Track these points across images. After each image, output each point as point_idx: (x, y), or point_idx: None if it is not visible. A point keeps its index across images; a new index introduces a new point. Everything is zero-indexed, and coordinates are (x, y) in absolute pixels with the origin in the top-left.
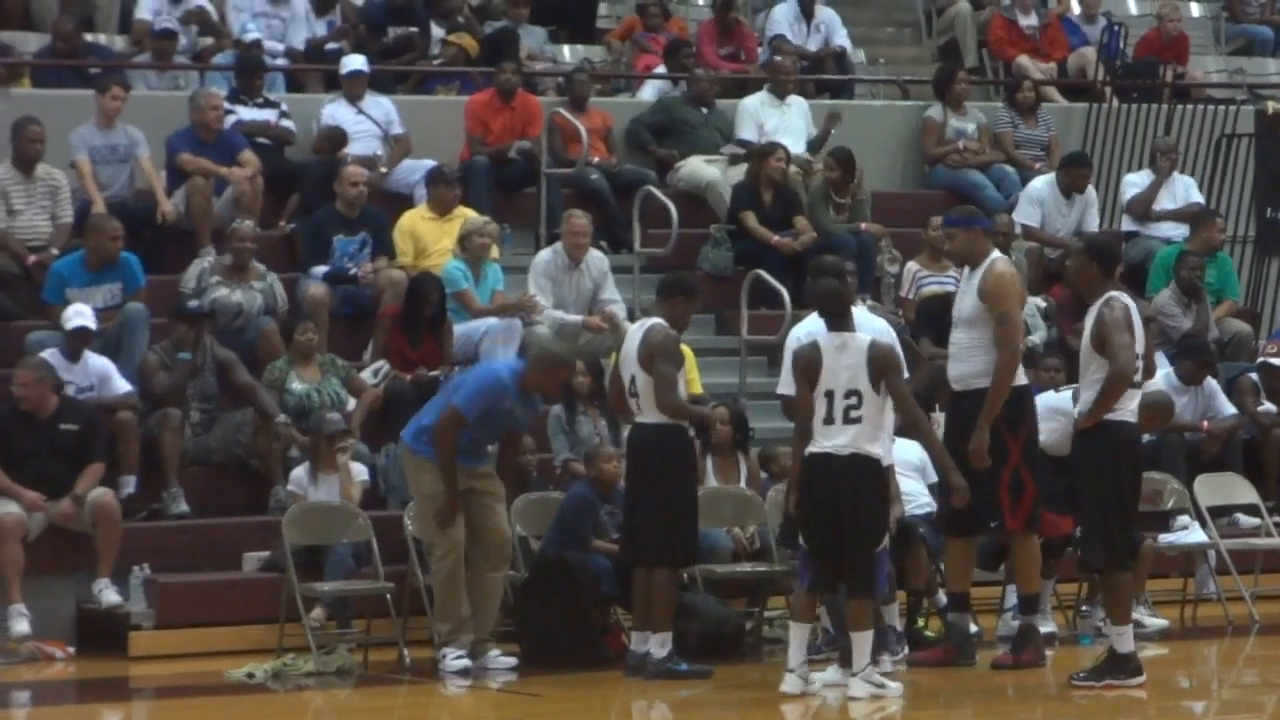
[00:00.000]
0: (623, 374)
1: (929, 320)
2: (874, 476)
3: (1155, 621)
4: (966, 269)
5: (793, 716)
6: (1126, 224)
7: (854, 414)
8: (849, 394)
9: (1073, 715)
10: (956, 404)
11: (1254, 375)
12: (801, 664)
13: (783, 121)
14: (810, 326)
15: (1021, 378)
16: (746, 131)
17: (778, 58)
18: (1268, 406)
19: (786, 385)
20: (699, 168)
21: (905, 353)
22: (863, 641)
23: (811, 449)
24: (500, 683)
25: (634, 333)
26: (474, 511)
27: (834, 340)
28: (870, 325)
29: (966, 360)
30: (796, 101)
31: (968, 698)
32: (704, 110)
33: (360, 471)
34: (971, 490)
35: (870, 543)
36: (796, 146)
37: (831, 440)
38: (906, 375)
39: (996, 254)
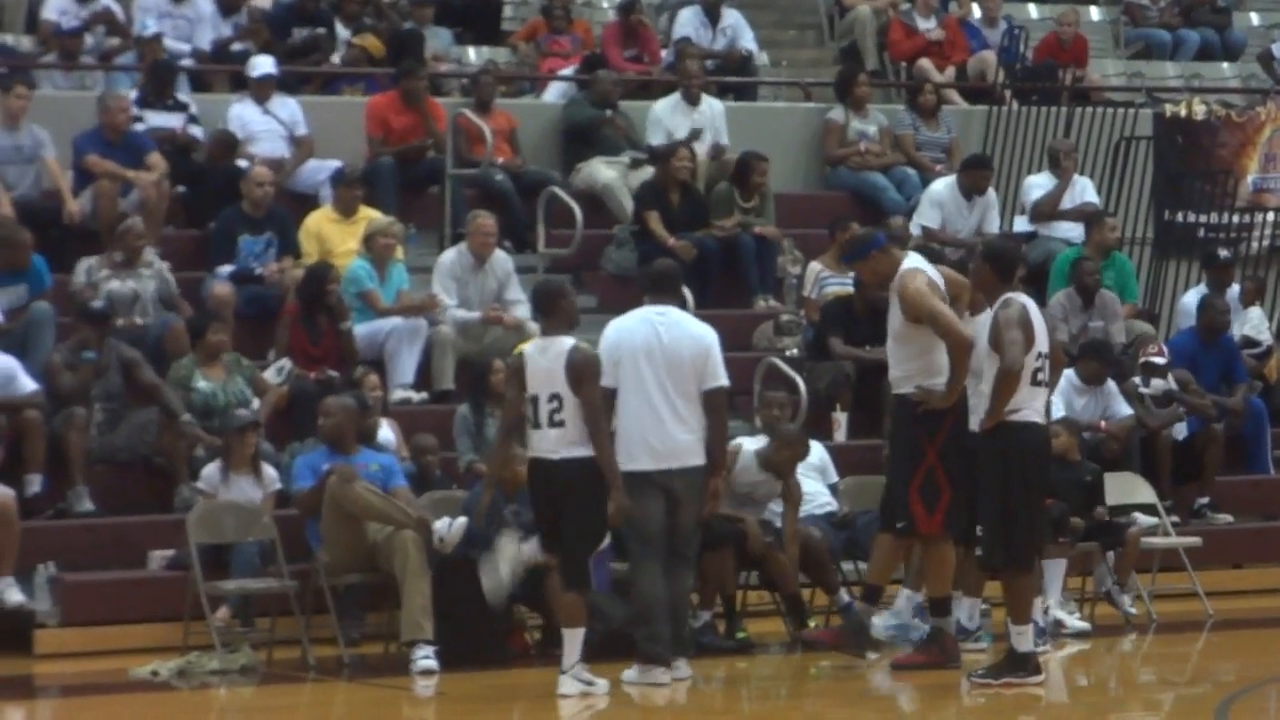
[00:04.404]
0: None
1: (835, 320)
2: (586, 478)
3: (1077, 623)
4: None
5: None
6: (1023, 225)
7: (557, 417)
8: (551, 398)
9: (971, 713)
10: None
11: (1136, 380)
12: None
13: (693, 126)
14: (623, 322)
15: None
16: (655, 137)
17: (686, 61)
18: (1154, 387)
19: (609, 378)
20: (597, 169)
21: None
22: (574, 639)
23: (531, 454)
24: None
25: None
26: None
27: (539, 345)
28: (698, 328)
29: (895, 365)
30: (711, 105)
31: (870, 693)
32: (607, 111)
33: (273, 479)
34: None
35: (583, 542)
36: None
37: (540, 446)
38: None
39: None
